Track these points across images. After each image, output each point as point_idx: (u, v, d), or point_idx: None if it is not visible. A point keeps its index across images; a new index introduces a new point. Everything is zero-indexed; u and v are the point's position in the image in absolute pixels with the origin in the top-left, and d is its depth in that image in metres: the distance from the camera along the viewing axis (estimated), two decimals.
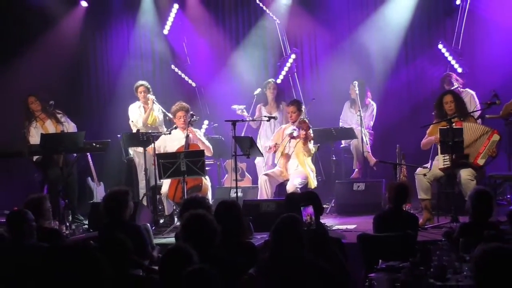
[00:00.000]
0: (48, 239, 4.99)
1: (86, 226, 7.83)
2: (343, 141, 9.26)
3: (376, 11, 9.81)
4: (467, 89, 8.56)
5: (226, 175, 9.39)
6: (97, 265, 2.75)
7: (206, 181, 7.82)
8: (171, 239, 6.54)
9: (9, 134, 9.04)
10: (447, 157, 6.97)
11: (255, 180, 9.12)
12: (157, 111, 8.89)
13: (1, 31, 10.35)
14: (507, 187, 8.18)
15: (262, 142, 8.87)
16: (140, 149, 8.36)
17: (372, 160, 8.86)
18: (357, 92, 8.86)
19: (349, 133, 8.82)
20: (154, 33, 10.67)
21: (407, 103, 9.75)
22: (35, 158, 8.38)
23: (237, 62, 10.39)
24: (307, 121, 7.95)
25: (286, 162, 7.98)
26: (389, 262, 4.50)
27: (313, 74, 10.29)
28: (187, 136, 7.84)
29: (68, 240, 6.42)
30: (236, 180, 7.65)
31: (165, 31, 10.56)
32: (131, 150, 8.91)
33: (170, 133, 8.06)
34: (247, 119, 8.94)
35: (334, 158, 8.98)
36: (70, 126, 8.59)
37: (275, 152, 8.08)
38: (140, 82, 8.99)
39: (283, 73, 10.07)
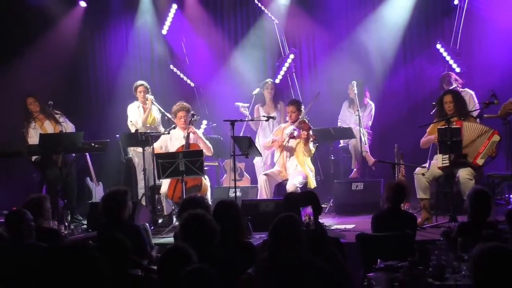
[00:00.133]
0: (47, 239, 5.00)
1: (85, 226, 7.83)
2: (341, 141, 9.26)
3: (374, 11, 9.82)
4: (466, 89, 8.56)
5: (225, 175, 9.39)
6: (96, 265, 2.75)
7: (206, 180, 7.83)
8: (170, 239, 6.53)
9: (8, 134, 9.05)
10: (447, 155, 6.97)
11: (253, 180, 9.13)
12: (156, 111, 8.89)
13: (1, 31, 10.35)
14: (505, 186, 8.17)
15: (261, 142, 8.87)
16: (139, 149, 8.36)
17: (371, 159, 8.86)
18: (356, 92, 8.87)
19: (347, 133, 8.83)
20: (152, 33, 10.68)
21: (406, 102, 9.75)
22: (34, 158, 8.39)
23: (235, 62, 10.38)
24: (307, 121, 7.95)
25: (285, 162, 7.98)
26: (387, 262, 4.51)
27: (312, 74, 10.29)
28: (188, 136, 7.85)
29: (67, 240, 6.44)
30: (235, 180, 7.65)
31: (164, 31, 10.56)
32: (130, 150, 8.91)
33: (168, 133, 8.06)
34: (247, 119, 8.95)
35: (332, 158, 8.98)
36: (68, 126, 8.59)
37: (279, 146, 8.02)
38: (140, 82, 8.98)
39: (282, 73, 10.06)
